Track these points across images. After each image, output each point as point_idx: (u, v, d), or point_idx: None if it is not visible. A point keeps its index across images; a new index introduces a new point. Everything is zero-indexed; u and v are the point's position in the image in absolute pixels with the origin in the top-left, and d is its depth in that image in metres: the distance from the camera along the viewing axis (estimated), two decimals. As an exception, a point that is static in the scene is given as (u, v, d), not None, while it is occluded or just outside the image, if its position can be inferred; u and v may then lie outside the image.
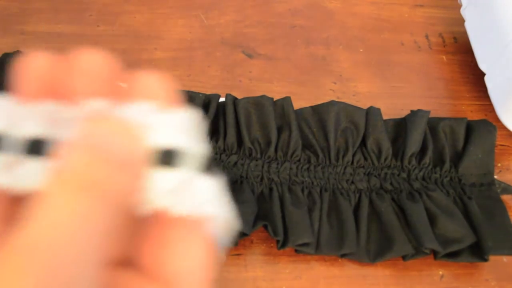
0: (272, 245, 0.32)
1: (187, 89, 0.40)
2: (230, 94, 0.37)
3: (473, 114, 0.42)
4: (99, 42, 0.42)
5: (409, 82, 0.43)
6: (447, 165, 0.36)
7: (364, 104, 0.41)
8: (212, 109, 0.36)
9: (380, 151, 0.36)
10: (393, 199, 0.34)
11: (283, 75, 0.42)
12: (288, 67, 0.43)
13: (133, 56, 0.42)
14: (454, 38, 0.47)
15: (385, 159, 0.36)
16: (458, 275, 0.33)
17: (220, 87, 0.41)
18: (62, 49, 0.45)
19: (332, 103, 0.37)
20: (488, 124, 0.37)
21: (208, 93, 0.38)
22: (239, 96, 0.39)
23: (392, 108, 0.41)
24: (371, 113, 0.37)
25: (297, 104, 0.37)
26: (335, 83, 0.43)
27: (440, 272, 0.33)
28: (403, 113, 0.41)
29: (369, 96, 0.42)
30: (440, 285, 0.32)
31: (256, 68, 0.43)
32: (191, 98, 0.36)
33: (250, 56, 0.43)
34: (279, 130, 0.36)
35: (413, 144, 0.36)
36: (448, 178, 0.36)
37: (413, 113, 0.37)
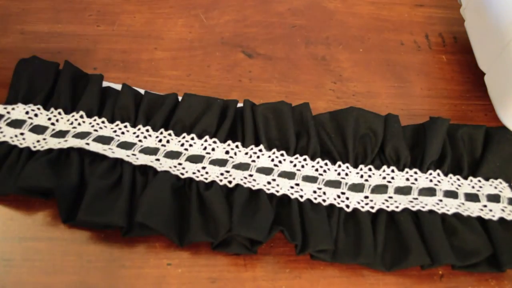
0: (272, 244, 0.32)
1: (187, 89, 0.40)
2: (248, 100, 0.36)
3: (473, 114, 0.42)
4: (99, 42, 0.42)
5: (409, 82, 0.43)
6: (465, 173, 0.36)
7: (364, 104, 0.41)
8: (230, 115, 0.36)
9: (398, 159, 0.36)
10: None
11: (283, 75, 0.42)
12: (288, 67, 0.43)
13: (133, 56, 0.42)
14: (454, 38, 0.47)
15: (404, 167, 0.36)
16: (458, 275, 0.33)
17: (220, 87, 0.41)
18: (62, 49, 0.45)
19: (350, 109, 0.36)
20: (507, 132, 0.37)
21: (208, 93, 0.38)
22: (239, 96, 0.39)
23: (392, 108, 0.41)
24: (390, 120, 0.37)
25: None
26: (335, 83, 0.43)
27: (440, 272, 0.33)
28: (403, 113, 0.41)
29: (369, 96, 0.42)
30: (440, 285, 0.32)
31: (256, 68, 0.43)
32: (209, 104, 0.36)
33: (250, 56, 0.43)
34: (298, 136, 0.36)
35: (433, 152, 0.36)
36: None
37: (433, 121, 0.37)
